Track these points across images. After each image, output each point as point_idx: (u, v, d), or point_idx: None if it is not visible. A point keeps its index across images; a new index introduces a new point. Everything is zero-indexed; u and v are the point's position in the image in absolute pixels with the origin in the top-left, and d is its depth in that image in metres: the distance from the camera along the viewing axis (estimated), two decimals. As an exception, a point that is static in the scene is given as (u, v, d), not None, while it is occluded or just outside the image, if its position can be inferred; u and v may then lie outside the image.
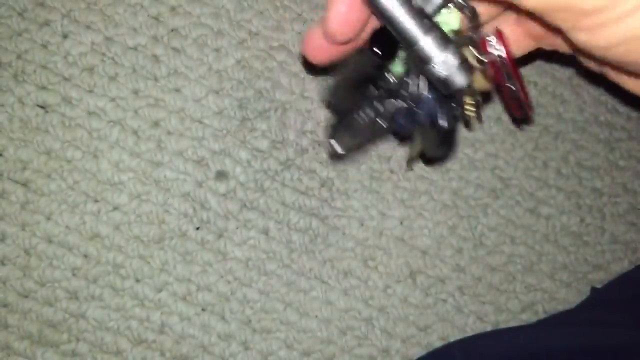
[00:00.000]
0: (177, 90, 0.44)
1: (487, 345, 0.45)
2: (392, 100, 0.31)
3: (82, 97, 0.43)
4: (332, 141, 0.33)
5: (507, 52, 0.29)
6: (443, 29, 0.26)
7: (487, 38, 0.29)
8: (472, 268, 0.48)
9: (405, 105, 0.31)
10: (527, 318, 0.49)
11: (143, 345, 0.44)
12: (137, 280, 0.44)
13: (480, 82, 0.30)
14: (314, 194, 0.46)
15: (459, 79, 0.25)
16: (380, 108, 0.31)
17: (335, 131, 0.33)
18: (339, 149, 0.33)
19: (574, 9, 0.21)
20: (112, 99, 0.44)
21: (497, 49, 0.29)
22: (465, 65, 0.25)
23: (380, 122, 0.31)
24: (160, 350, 0.44)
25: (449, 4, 0.27)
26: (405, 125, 0.31)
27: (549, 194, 0.50)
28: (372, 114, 0.31)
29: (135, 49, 0.44)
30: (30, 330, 0.43)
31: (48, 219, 0.43)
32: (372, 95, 0.31)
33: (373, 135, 0.33)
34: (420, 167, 0.48)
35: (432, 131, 0.30)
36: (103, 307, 0.44)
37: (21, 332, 0.43)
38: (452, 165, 0.48)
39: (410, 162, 0.47)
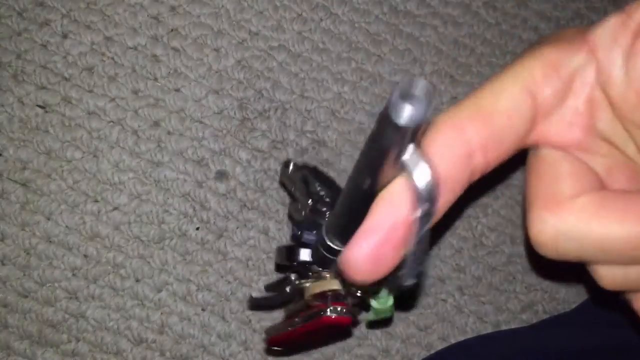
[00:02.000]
0: (177, 90, 0.44)
1: (491, 347, 0.45)
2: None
3: (82, 97, 0.43)
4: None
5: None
6: None
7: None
8: (472, 268, 0.48)
9: None
10: (527, 318, 0.49)
11: (143, 345, 0.44)
12: (137, 280, 0.44)
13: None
14: (314, 194, 0.46)
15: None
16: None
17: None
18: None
19: None
20: (112, 99, 0.44)
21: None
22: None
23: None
24: (160, 350, 0.44)
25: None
26: None
27: (549, 194, 0.50)
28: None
29: (135, 49, 0.44)
30: (30, 330, 0.43)
31: (48, 219, 0.43)
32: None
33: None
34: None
35: None
36: (103, 307, 0.44)
37: (21, 332, 0.43)
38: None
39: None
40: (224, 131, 0.45)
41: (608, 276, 0.20)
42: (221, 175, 0.45)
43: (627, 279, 0.19)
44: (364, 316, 0.37)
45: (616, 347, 0.42)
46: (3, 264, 0.43)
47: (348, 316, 0.33)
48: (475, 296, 0.48)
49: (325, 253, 0.26)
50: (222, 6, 0.45)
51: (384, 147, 0.17)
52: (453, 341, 0.47)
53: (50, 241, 0.43)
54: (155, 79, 0.44)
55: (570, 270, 0.50)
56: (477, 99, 0.19)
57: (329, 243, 0.25)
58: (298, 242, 0.36)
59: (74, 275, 0.43)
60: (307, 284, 0.35)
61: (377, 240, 0.18)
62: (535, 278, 0.49)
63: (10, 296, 0.43)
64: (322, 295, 0.33)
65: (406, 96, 0.16)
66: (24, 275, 0.43)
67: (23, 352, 0.43)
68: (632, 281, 0.19)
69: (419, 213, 0.17)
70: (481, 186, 0.49)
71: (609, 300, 0.48)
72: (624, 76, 0.18)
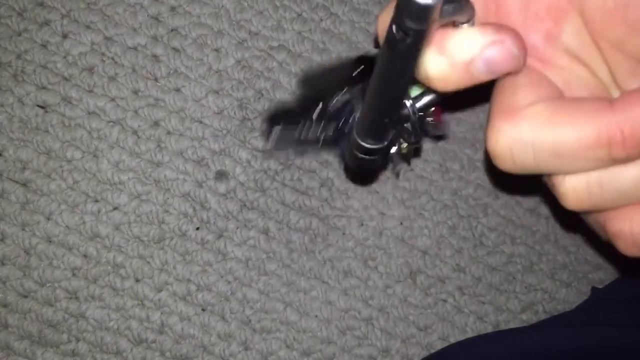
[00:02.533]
0: (177, 90, 0.44)
1: (490, 346, 0.45)
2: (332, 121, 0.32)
3: (82, 97, 0.43)
4: (275, 129, 0.34)
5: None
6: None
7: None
8: (472, 268, 0.48)
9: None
10: (527, 318, 0.49)
11: (143, 345, 0.44)
12: (137, 280, 0.44)
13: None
14: (314, 194, 0.46)
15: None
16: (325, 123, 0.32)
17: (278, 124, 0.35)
18: (271, 143, 0.35)
19: None
20: (112, 99, 0.44)
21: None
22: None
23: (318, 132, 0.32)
24: (160, 350, 0.44)
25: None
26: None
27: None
28: (318, 125, 0.33)
29: (135, 49, 0.44)
30: (30, 330, 0.43)
31: (48, 219, 0.43)
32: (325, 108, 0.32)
33: (306, 144, 0.35)
34: (420, 167, 0.48)
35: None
36: (103, 307, 0.44)
37: (21, 332, 0.43)
38: (452, 165, 0.48)
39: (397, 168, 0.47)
40: (224, 131, 0.45)
41: (570, 192, 0.19)
42: (221, 175, 0.45)
43: (591, 192, 0.19)
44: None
45: (616, 347, 0.42)
46: (3, 264, 0.43)
47: None
48: (475, 296, 0.48)
49: (360, 154, 0.27)
50: (222, 6, 0.45)
51: (420, 36, 0.17)
52: (453, 341, 0.47)
53: (50, 241, 0.43)
54: (155, 79, 0.44)
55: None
56: None
57: (363, 144, 0.26)
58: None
59: (74, 275, 0.43)
60: None
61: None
62: (535, 278, 0.49)
63: (10, 296, 0.43)
64: None
65: None
66: (24, 275, 0.43)
67: (23, 352, 0.43)
68: (595, 195, 0.19)
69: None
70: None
71: (610, 300, 0.48)
72: None
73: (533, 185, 0.48)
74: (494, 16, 0.19)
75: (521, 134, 0.18)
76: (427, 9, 0.15)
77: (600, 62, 0.19)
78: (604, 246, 0.50)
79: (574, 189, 0.19)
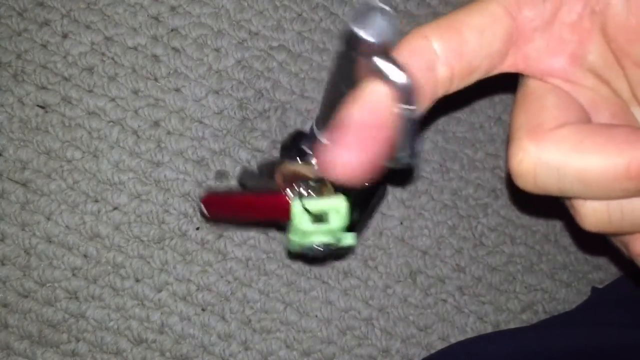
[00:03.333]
0: (177, 90, 0.44)
1: (491, 347, 0.45)
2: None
3: (82, 97, 0.43)
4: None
5: None
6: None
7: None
8: (472, 268, 0.48)
9: None
10: (527, 318, 0.49)
11: (143, 345, 0.44)
12: (137, 280, 0.44)
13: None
14: (314, 194, 0.46)
15: None
16: None
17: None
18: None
19: None
20: (112, 99, 0.44)
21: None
22: None
23: None
24: (160, 350, 0.44)
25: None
26: None
27: (549, 194, 0.50)
28: None
29: (135, 49, 0.44)
30: (30, 330, 0.43)
31: (48, 219, 0.43)
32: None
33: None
34: (420, 167, 0.48)
35: None
36: (103, 307, 0.44)
37: (21, 332, 0.43)
38: (452, 165, 0.48)
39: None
40: (224, 131, 0.45)
41: (590, 215, 0.18)
42: (221, 175, 0.45)
43: (611, 217, 0.18)
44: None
45: (616, 347, 0.42)
46: (3, 264, 0.43)
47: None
48: (475, 296, 0.48)
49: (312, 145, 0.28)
50: (222, 6, 0.45)
51: (353, 61, 0.18)
52: (453, 341, 0.47)
53: (50, 241, 0.43)
54: (155, 79, 0.44)
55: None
56: (452, 14, 0.18)
57: (317, 136, 0.27)
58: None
59: (74, 275, 0.43)
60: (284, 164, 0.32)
61: (362, 145, 0.17)
62: (535, 278, 0.49)
63: (10, 296, 0.43)
64: (291, 178, 0.31)
65: (368, 14, 0.17)
66: (24, 275, 0.43)
67: (23, 352, 0.43)
68: (616, 220, 0.18)
69: (400, 109, 0.18)
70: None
71: (610, 300, 0.48)
72: (625, 4, 0.17)
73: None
74: (514, 45, 0.19)
75: (547, 157, 0.17)
76: (362, 40, 0.17)
77: (622, 79, 0.19)
78: (603, 246, 0.50)
79: (594, 212, 0.18)
